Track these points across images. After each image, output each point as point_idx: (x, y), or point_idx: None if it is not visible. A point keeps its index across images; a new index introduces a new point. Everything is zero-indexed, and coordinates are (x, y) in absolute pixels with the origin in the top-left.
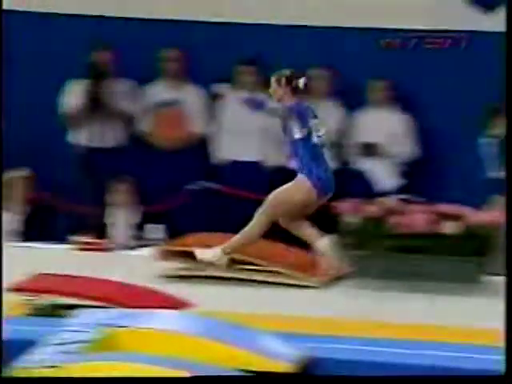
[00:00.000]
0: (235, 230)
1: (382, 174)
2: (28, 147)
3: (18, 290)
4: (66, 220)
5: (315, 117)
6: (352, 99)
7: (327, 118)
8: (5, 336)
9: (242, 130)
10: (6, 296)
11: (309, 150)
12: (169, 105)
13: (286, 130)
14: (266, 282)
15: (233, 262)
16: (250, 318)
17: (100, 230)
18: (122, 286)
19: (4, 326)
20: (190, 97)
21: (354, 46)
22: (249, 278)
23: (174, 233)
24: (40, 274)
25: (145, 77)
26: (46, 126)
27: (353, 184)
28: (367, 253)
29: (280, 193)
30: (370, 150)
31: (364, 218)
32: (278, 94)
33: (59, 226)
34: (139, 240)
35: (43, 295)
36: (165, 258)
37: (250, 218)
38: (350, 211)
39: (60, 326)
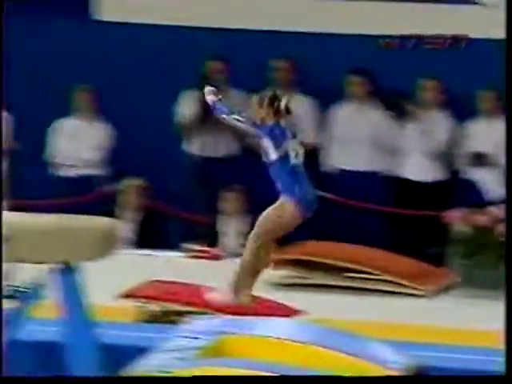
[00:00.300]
0: (343, 239)
1: (492, 184)
2: (143, 156)
3: (131, 296)
4: (178, 228)
5: (294, 136)
6: (462, 109)
7: (437, 128)
8: (118, 342)
9: (352, 139)
10: (119, 302)
11: (288, 170)
12: None
13: (263, 151)
14: (375, 290)
15: (343, 270)
16: (358, 325)
17: (212, 238)
18: None
19: (118, 332)
20: (301, 106)
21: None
22: (358, 286)
23: (283, 241)
24: (152, 281)
25: (256, 87)
26: (161, 135)
27: (463, 193)
28: (476, 262)
29: (268, 214)
30: (480, 159)
31: (474, 227)
32: (259, 115)
33: (172, 234)
34: None
35: (156, 302)
36: (275, 267)
37: (357, 226)
38: (459, 220)
39: (172, 332)
